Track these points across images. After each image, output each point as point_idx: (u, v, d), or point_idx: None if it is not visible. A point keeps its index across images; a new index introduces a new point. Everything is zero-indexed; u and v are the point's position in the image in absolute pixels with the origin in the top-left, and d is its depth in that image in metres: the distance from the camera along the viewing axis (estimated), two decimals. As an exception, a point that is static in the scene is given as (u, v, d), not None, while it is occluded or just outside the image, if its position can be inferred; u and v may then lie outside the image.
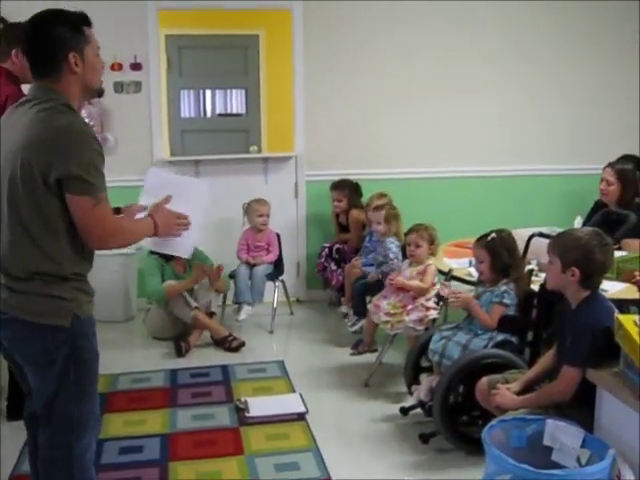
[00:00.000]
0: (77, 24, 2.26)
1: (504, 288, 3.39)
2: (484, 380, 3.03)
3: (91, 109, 5.17)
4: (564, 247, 2.74)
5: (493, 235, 3.49)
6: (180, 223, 2.53)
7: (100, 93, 2.43)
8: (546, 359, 2.92)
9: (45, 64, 2.24)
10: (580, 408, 2.66)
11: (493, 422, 2.57)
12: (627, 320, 2.48)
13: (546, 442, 2.50)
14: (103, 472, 3.12)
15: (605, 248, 2.76)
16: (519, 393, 2.82)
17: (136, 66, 5.34)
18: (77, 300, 2.25)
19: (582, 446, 2.44)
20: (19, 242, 2.20)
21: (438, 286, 4.07)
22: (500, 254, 3.44)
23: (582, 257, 2.70)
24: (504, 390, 2.84)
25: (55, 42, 2.22)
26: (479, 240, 3.54)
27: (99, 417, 2.44)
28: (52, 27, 2.22)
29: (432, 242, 4.12)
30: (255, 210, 5.28)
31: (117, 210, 2.56)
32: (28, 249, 2.19)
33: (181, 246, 2.74)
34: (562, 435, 2.47)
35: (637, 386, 2.34)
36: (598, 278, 2.78)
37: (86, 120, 5.05)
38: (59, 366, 2.24)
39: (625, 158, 4.88)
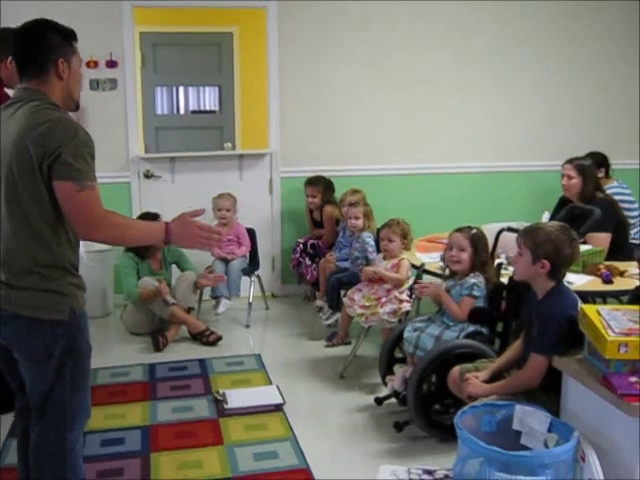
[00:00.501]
0: (67, 35, 2.37)
1: (473, 281, 3.52)
2: (456, 369, 3.16)
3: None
4: (535, 240, 2.87)
5: (475, 230, 3.62)
6: (203, 235, 2.38)
7: (77, 107, 2.49)
8: (514, 348, 3.05)
9: (35, 66, 2.32)
10: (547, 394, 2.79)
11: (465, 408, 2.68)
12: (590, 309, 2.61)
13: (515, 427, 2.62)
14: (86, 464, 3.12)
15: (573, 243, 2.91)
16: (488, 381, 2.95)
17: (112, 63, 5.38)
18: (73, 295, 2.32)
19: (549, 430, 2.57)
20: (19, 233, 2.25)
21: (411, 280, 4.21)
22: (482, 249, 3.59)
23: (552, 250, 2.83)
24: (474, 379, 2.97)
25: (47, 46, 2.31)
26: (461, 230, 3.65)
27: (89, 409, 2.50)
28: (45, 32, 2.33)
29: (405, 237, 4.24)
30: (215, 204, 5.37)
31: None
32: (28, 239, 2.24)
33: None
34: (530, 420, 2.59)
35: (600, 372, 2.47)
36: (565, 270, 2.92)
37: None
38: (56, 359, 2.30)
39: (589, 156, 5.04)
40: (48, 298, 2.27)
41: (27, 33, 2.35)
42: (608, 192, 4.86)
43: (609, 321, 2.49)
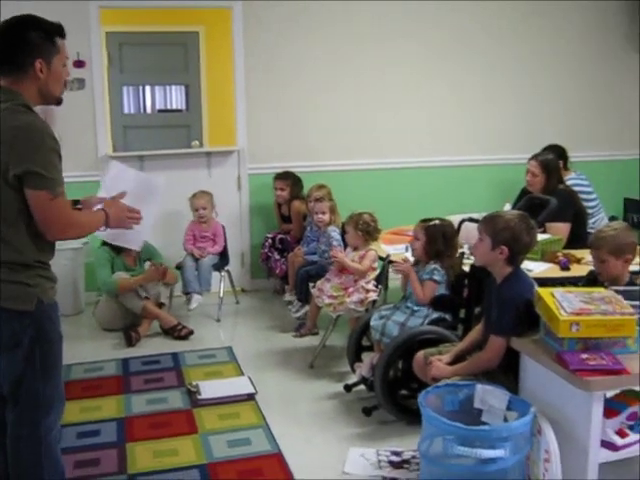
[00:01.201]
0: (51, 33, 2.41)
1: (433, 266, 3.69)
2: (420, 353, 3.30)
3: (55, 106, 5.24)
4: (495, 227, 3.01)
5: (436, 221, 3.76)
6: (132, 217, 2.68)
7: (59, 102, 2.56)
8: (475, 332, 3.20)
9: (12, 63, 2.37)
10: (507, 374, 2.94)
11: (428, 389, 2.82)
12: (545, 292, 2.76)
13: (476, 405, 2.76)
14: (63, 455, 3.16)
15: (531, 231, 3.06)
16: (451, 363, 3.09)
17: (79, 63, 5.42)
18: (41, 286, 2.40)
19: (509, 407, 2.71)
20: None
21: (378, 271, 4.34)
22: (436, 240, 3.72)
23: (511, 237, 2.97)
24: (437, 362, 3.11)
25: (25, 45, 2.36)
26: (423, 221, 3.81)
27: (63, 396, 2.58)
28: (26, 31, 2.37)
29: (363, 229, 4.31)
30: (192, 204, 5.49)
31: (76, 202, 2.70)
32: None
33: (133, 239, 2.93)
34: (490, 398, 2.73)
35: (554, 350, 2.62)
36: (522, 257, 3.07)
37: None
38: (25, 348, 2.38)
39: (548, 148, 5.21)
40: (14, 289, 2.34)
41: (9, 30, 2.39)
42: (567, 183, 5.04)
43: (562, 302, 2.63)
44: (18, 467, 2.51)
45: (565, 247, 4.38)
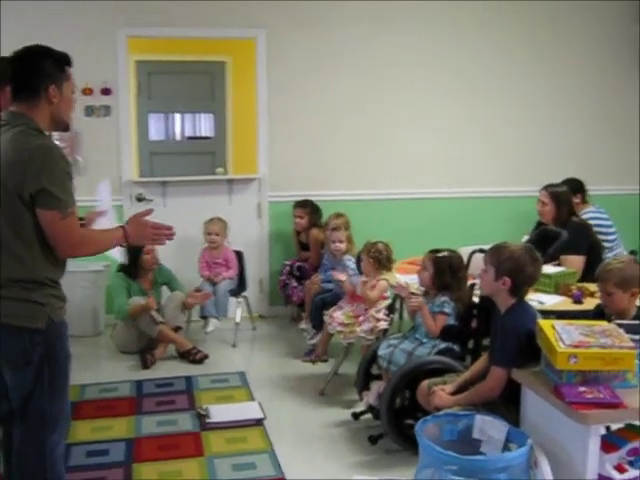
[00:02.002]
0: (61, 62, 2.56)
1: (443, 299, 3.70)
2: (424, 383, 3.31)
3: (62, 132, 5.40)
4: (499, 258, 3.03)
5: (445, 253, 3.79)
6: (158, 233, 2.68)
7: (67, 128, 2.70)
8: (480, 362, 3.20)
9: (27, 90, 2.51)
10: (508, 405, 2.94)
11: (426, 417, 2.83)
12: (546, 324, 2.77)
13: (475, 435, 2.76)
14: (70, 473, 3.29)
15: (536, 263, 3.07)
16: (455, 393, 3.10)
17: (106, 91, 5.59)
18: (51, 305, 2.48)
19: (508, 439, 2.71)
20: None
21: (389, 300, 4.37)
22: (444, 272, 3.75)
23: (514, 268, 2.99)
24: (440, 391, 3.12)
25: (40, 72, 2.51)
26: (431, 252, 3.84)
27: (69, 415, 2.66)
28: (40, 59, 2.52)
29: (376, 258, 4.36)
30: (205, 229, 5.57)
31: (81, 219, 2.77)
32: (6, 259, 2.42)
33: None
34: (489, 428, 2.74)
35: (553, 383, 2.62)
36: (526, 288, 3.07)
37: (57, 142, 5.32)
38: (35, 365, 2.46)
39: (565, 182, 5.21)
40: (26, 307, 2.43)
41: (23, 59, 2.54)
42: (585, 217, 5.03)
43: (561, 334, 2.64)
44: (22, 481, 2.58)
45: (580, 280, 4.36)
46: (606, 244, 4.99)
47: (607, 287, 3.14)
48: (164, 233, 2.71)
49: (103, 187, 3.12)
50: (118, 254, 2.82)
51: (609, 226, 5.32)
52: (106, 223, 2.81)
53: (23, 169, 2.36)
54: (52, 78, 2.52)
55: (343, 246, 5.01)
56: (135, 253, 5.02)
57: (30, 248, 2.43)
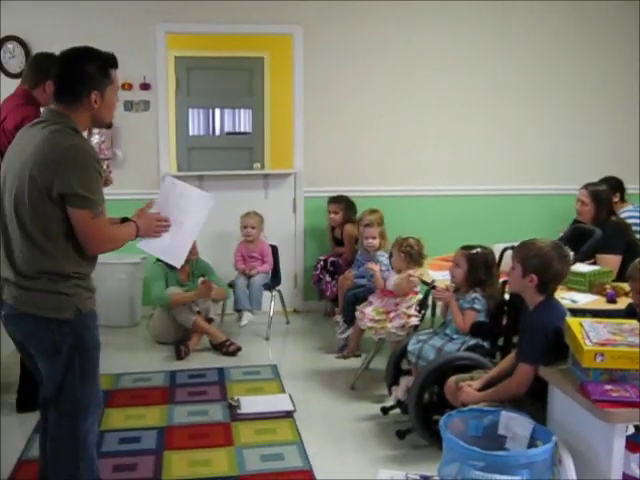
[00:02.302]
0: (105, 65, 2.58)
1: (474, 295, 3.68)
2: (452, 379, 3.31)
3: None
4: (526, 255, 3.01)
5: (478, 250, 3.78)
6: (159, 225, 2.78)
7: (109, 126, 2.74)
8: (508, 360, 3.19)
9: (70, 94, 2.54)
10: (535, 403, 2.92)
11: (451, 412, 2.83)
12: (573, 322, 2.75)
13: (500, 431, 2.76)
14: (103, 459, 3.36)
15: (564, 259, 3.04)
16: (481, 390, 3.09)
17: (145, 86, 5.69)
18: (79, 295, 2.55)
19: (533, 436, 2.70)
20: (25, 246, 2.49)
21: (420, 295, 4.38)
22: (478, 268, 3.74)
23: (541, 265, 2.97)
24: (467, 387, 3.12)
25: (83, 78, 2.53)
26: (464, 248, 3.83)
27: (101, 402, 2.74)
28: (84, 64, 2.54)
29: (408, 253, 4.38)
30: (242, 222, 5.63)
31: (125, 219, 2.80)
32: (33, 252, 2.49)
33: (173, 255, 3.00)
34: (514, 425, 2.73)
35: (579, 381, 2.60)
36: (554, 285, 3.05)
37: (97, 136, 5.42)
38: (64, 355, 2.53)
39: (604, 180, 5.15)
40: (55, 299, 2.50)
41: (69, 61, 2.57)
42: (623, 215, 4.97)
43: (589, 332, 2.62)
44: (56, 466, 2.66)
45: (616, 280, 4.30)
46: None
47: (638, 286, 3.10)
48: (163, 225, 2.79)
49: (165, 187, 3.07)
50: (152, 249, 2.86)
51: None
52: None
53: (55, 168, 2.42)
54: (95, 84, 2.54)
55: (376, 242, 5.03)
56: None
57: (57, 243, 2.49)
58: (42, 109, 2.67)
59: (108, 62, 2.61)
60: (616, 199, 5.14)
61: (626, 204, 5.30)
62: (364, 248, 5.15)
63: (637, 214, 5.23)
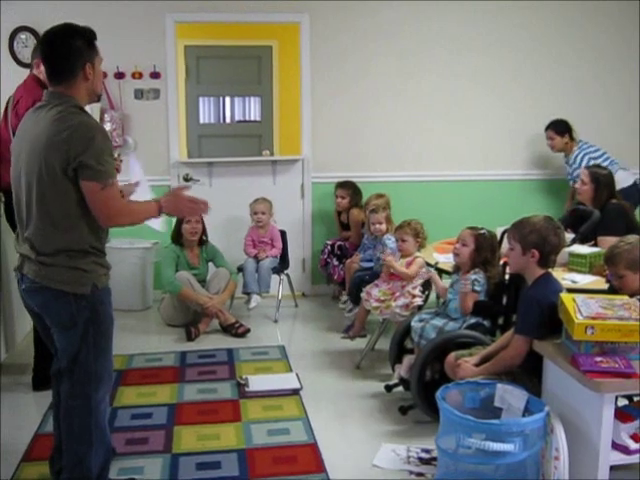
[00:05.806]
0: (90, 38, 2.68)
1: (474, 277, 3.78)
2: (452, 355, 3.42)
3: (113, 114, 5.64)
4: (522, 232, 3.12)
5: (485, 231, 3.87)
6: (193, 207, 2.85)
7: (99, 98, 2.84)
8: (505, 336, 3.29)
9: (64, 72, 2.64)
10: (531, 377, 3.03)
11: (448, 384, 2.94)
12: (567, 297, 2.85)
13: (496, 403, 2.87)
14: (116, 433, 3.53)
15: (558, 231, 3.15)
16: (478, 365, 3.20)
17: (155, 75, 5.80)
18: (95, 272, 2.68)
19: (528, 408, 2.80)
20: (45, 224, 2.61)
21: (425, 276, 4.48)
22: (484, 249, 3.83)
23: (539, 239, 3.07)
24: (465, 363, 3.22)
25: (75, 53, 2.63)
26: (471, 228, 3.92)
27: (112, 374, 2.86)
28: (72, 39, 2.63)
29: (417, 236, 4.50)
30: (252, 208, 5.75)
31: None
32: (51, 231, 2.61)
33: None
34: (509, 397, 2.84)
35: (571, 353, 2.70)
36: (554, 257, 3.14)
37: (108, 124, 5.53)
38: (81, 327, 2.66)
39: (553, 122, 5.85)
40: (73, 274, 2.62)
41: (55, 40, 2.65)
42: (580, 151, 5.69)
43: (580, 307, 2.72)
44: (69, 435, 2.79)
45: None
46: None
47: (617, 270, 3.14)
48: (199, 207, 2.86)
49: (133, 161, 3.31)
50: (157, 224, 2.98)
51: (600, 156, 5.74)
52: (142, 193, 2.99)
53: (66, 147, 2.52)
54: (86, 56, 2.64)
55: (383, 227, 5.11)
56: (177, 223, 5.34)
57: (76, 220, 2.60)
58: (44, 92, 2.75)
59: (91, 34, 2.69)
60: (566, 140, 5.82)
61: (575, 143, 5.86)
62: (370, 232, 5.25)
63: (588, 145, 5.83)
